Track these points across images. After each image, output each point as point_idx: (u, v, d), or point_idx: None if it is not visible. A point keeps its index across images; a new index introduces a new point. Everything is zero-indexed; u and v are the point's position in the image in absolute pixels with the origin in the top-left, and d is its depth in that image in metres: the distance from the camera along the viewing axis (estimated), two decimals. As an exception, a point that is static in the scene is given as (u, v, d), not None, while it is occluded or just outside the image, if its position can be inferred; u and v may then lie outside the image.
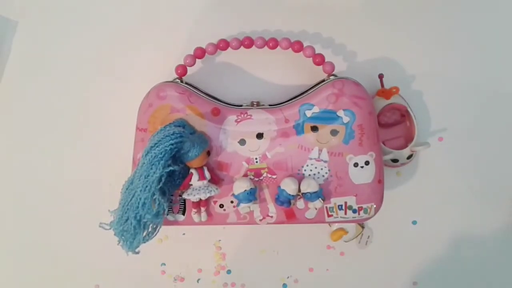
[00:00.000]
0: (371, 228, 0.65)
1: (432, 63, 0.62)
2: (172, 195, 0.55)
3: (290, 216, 0.56)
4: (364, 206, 0.56)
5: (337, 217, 0.56)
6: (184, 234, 0.65)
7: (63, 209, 0.65)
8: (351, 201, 0.56)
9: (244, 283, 0.66)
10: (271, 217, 0.56)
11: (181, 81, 0.57)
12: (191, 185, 0.54)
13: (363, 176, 0.55)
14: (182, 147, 0.51)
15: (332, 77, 0.56)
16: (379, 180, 0.56)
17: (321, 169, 0.55)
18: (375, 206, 0.56)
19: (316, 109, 0.55)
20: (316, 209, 0.56)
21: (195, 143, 0.51)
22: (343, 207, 0.56)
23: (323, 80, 0.56)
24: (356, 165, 0.55)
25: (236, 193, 0.54)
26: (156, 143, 0.50)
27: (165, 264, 0.66)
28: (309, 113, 0.55)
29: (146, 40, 0.62)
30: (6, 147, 0.64)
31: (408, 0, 0.62)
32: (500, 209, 0.65)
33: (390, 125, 0.62)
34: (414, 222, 0.65)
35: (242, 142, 0.55)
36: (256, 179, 0.56)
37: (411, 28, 0.62)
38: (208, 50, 0.57)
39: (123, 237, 0.51)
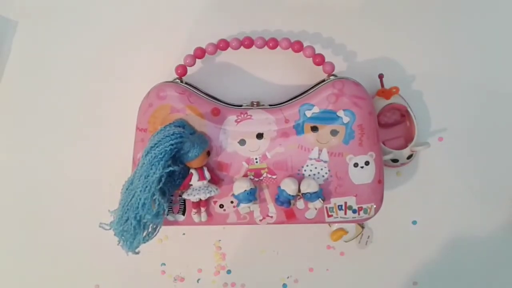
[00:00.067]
0: (371, 228, 0.65)
1: (432, 63, 0.62)
2: (172, 196, 0.55)
3: (290, 216, 0.56)
4: (364, 206, 0.56)
5: (337, 217, 0.56)
6: (184, 234, 0.65)
7: (63, 209, 0.65)
8: (351, 201, 0.56)
9: (244, 283, 0.66)
10: (271, 217, 0.56)
11: (181, 81, 0.57)
12: (191, 185, 0.54)
13: (363, 176, 0.55)
14: (182, 147, 0.51)
15: (332, 77, 0.56)
16: (379, 180, 0.56)
17: (321, 169, 0.55)
18: (375, 206, 0.56)
19: (316, 109, 0.55)
20: (316, 209, 0.56)
21: (195, 143, 0.51)
22: (343, 207, 0.56)
23: (323, 80, 0.56)
24: (356, 165, 0.55)
25: (236, 193, 0.54)
26: (156, 144, 0.50)
27: (165, 264, 0.66)
28: (309, 113, 0.55)
29: (146, 40, 0.62)
30: (6, 147, 0.64)
31: (408, 0, 0.62)
32: (500, 209, 0.65)
33: (390, 125, 0.62)
34: (414, 222, 0.65)
35: (242, 142, 0.55)
36: (256, 179, 0.56)
37: (411, 28, 0.62)
38: (208, 50, 0.57)
39: (123, 237, 0.51)
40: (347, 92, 0.54)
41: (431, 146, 0.60)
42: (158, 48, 0.62)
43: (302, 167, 0.55)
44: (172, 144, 0.50)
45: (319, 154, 0.55)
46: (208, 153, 0.54)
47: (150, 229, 0.53)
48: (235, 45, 0.56)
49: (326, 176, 0.55)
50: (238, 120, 0.55)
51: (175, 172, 0.52)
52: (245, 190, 0.54)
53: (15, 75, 0.63)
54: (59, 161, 0.64)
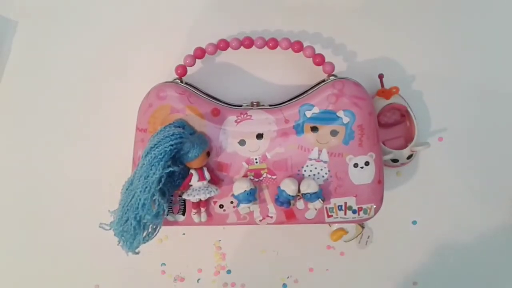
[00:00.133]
0: (371, 228, 0.65)
1: (432, 63, 0.62)
2: (172, 196, 0.55)
3: (290, 217, 0.56)
4: (364, 206, 0.56)
5: (337, 217, 0.56)
6: (184, 234, 0.65)
7: (63, 209, 0.65)
8: (351, 201, 0.56)
9: (244, 283, 0.66)
10: (271, 217, 0.56)
11: (181, 81, 0.57)
12: (191, 185, 0.54)
13: (363, 176, 0.55)
14: (182, 147, 0.51)
15: (332, 78, 0.56)
16: (379, 181, 0.56)
17: (321, 169, 0.55)
18: (375, 206, 0.56)
19: (316, 110, 0.55)
20: (316, 209, 0.56)
21: (195, 143, 0.51)
22: (343, 208, 0.56)
23: (323, 80, 0.56)
24: (356, 165, 0.55)
25: (236, 194, 0.54)
26: (156, 144, 0.50)
27: (165, 264, 0.66)
28: (309, 114, 0.55)
29: (146, 40, 0.62)
30: (6, 147, 0.64)
31: (408, 0, 0.62)
32: (500, 209, 0.65)
33: (390, 125, 0.62)
34: (414, 222, 0.65)
35: (242, 142, 0.55)
36: (256, 179, 0.56)
37: (411, 28, 0.62)
38: (208, 50, 0.57)
39: (123, 238, 0.51)
40: (347, 92, 0.54)
41: (431, 146, 0.60)
42: (158, 48, 0.62)
43: (302, 167, 0.55)
44: (172, 145, 0.50)
45: (319, 154, 0.55)
46: (208, 154, 0.54)
47: (150, 230, 0.53)
48: (235, 45, 0.56)
49: (326, 176, 0.55)
50: (238, 121, 0.55)
51: (175, 173, 0.52)
52: (245, 191, 0.54)
53: (15, 75, 0.63)
54: (59, 161, 0.64)
